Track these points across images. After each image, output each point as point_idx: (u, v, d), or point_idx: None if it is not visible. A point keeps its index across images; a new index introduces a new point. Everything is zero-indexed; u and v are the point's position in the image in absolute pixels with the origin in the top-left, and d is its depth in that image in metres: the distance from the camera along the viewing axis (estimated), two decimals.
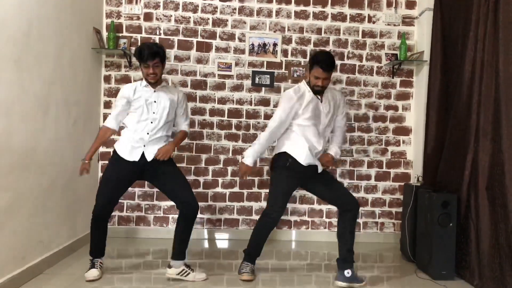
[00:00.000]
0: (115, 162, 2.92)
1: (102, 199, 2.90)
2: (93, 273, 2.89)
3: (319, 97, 2.98)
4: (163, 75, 3.26)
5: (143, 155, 2.89)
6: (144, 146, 2.90)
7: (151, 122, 2.91)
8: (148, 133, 2.90)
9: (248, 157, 3.00)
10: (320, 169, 3.01)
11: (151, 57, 2.81)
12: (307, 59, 4.13)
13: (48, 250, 3.09)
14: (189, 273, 2.94)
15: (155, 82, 2.93)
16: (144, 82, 2.96)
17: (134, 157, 2.88)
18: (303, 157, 2.93)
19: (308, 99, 2.95)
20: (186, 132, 3.18)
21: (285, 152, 2.98)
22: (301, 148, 2.95)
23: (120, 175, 2.90)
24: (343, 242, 2.97)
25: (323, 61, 2.87)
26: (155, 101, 2.93)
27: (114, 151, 2.94)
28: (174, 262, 2.95)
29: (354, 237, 3.00)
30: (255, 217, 4.13)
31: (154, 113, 2.92)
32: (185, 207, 2.92)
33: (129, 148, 2.89)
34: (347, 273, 2.90)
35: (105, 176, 2.96)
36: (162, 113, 2.93)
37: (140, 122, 2.91)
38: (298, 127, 2.97)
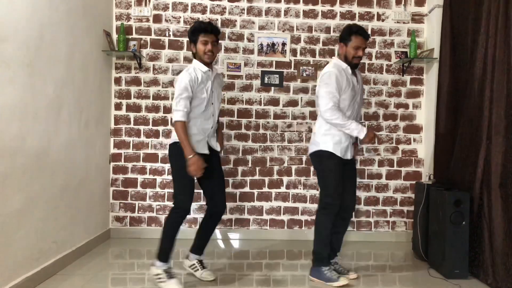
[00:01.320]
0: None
1: (189, 194, 2.78)
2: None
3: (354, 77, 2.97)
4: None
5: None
6: (208, 137, 2.84)
7: (213, 115, 2.85)
8: (212, 127, 2.85)
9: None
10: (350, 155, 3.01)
11: (213, 30, 2.70)
12: (316, 58, 4.12)
13: (62, 251, 3.13)
14: (198, 269, 2.96)
15: (211, 62, 2.78)
16: (202, 66, 2.75)
17: (205, 150, 2.79)
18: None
19: (347, 78, 2.90)
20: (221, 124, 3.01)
21: None
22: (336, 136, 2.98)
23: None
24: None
25: (361, 29, 2.86)
26: (213, 91, 2.81)
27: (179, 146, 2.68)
28: (190, 255, 3.02)
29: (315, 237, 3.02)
30: (266, 216, 4.13)
31: (212, 104, 2.82)
32: (216, 208, 2.95)
33: (196, 141, 2.74)
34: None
35: (182, 170, 2.68)
36: (218, 103, 2.92)
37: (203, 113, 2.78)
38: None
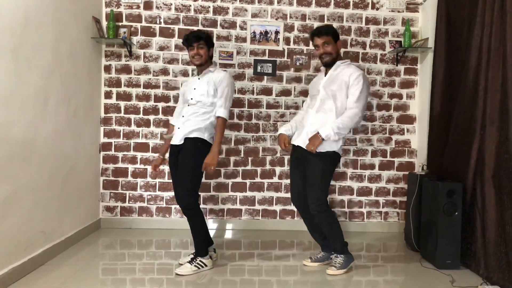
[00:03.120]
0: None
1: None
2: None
3: (322, 75, 3.01)
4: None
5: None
6: (179, 128, 2.99)
7: (188, 105, 3.00)
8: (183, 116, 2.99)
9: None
10: (303, 139, 2.93)
11: (195, 39, 2.94)
12: (310, 47, 4.07)
13: (50, 241, 3.08)
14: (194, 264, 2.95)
15: (201, 63, 2.99)
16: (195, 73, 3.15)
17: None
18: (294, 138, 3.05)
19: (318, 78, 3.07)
20: (221, 119, 2.94)
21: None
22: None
23: None
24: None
25: (315, 29, 2.97)
26: (195, 88, 3.00)
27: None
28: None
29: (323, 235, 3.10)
30: (258, 207, 4.11)
31: (192, 99, 2.99)
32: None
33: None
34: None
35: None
36: (197, 99, 2.97)
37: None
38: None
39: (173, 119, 3.18)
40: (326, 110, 2.89)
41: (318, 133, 2.80)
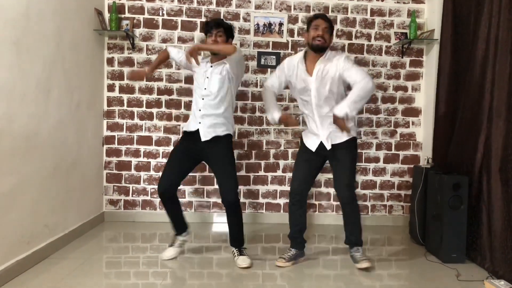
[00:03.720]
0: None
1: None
2: (167, 253, 3.01)
3: (308, 74, 2.83)
4: None
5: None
6: (200, 123, 2.94)
7: (202, 99, 2.93)
8: (199, 109, 2.95)
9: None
10: (327, 145, 2.87)
11: (215, 26, 2.92)
12: None
13: (54, 235, 3.08)
14: (235, 256, 3.00)
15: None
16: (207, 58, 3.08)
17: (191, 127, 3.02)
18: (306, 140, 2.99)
19: (299, 70, 2.88)
20: (233, 46, 2.89)
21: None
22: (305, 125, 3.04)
23: None
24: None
25: (320, 14, 2.91)
26: (207, 77, 2.94)
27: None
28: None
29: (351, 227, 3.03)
30: (262, 200, 4.09)
31: (205, 89, 2.93)
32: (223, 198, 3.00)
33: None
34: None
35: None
36: (211, 89, 2.92)
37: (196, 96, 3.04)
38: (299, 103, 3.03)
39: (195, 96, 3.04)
40: (328, 107, 2.84)
41: (335, 115, 2.68)
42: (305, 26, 4.00)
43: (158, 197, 3.99)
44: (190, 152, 2.96)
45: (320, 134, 2.89)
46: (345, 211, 3.00)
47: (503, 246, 2.75)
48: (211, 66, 2.96)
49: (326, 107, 2.84)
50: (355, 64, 2.84)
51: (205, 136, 2.89)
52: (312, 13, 4.02)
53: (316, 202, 4.12)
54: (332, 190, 4.08)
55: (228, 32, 2.98)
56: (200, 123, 2.91)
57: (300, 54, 2.94)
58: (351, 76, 2.74)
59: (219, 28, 2.92)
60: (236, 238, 3.02)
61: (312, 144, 2.93)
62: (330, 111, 2.80)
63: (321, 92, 2.82)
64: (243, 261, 2.90)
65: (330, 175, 4.02)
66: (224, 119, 2.94)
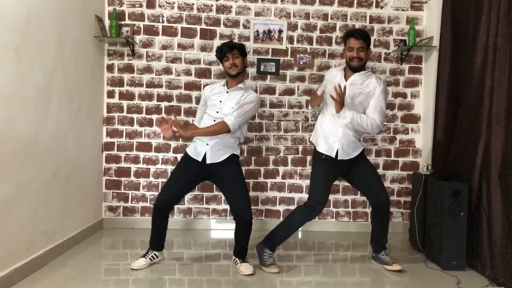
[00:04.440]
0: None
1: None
2: (139, 262, 2.93)
3: (343, 80, 2.92)
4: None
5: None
6: (208, 144, 2.93)
7: (214, 121, 2.92)
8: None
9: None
10: (340, 155, 2.91)
11: (229, 49, 2.90)
12: (313, 46, 4.04)
13: (53, 241, 3.07)
14: (237, 263, 2.99)
15: (237, 73, 2.94)
16: (223, 81, 3.08)
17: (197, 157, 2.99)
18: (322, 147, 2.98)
19: (338, 76, 2.97)
20: (222, 122, 2.84)
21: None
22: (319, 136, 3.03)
23: None
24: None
25: (353, 31, 2.93)
26: (220, 101, 2.95)
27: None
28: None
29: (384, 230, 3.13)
30: (261, 207, 4.09)
31: (217, 112, 2.94)
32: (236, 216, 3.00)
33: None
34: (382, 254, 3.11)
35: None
36: (224, 113, 2.91)
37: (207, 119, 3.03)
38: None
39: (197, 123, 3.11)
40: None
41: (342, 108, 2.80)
42: (304, 33, 4.06)
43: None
44: (195, 172, 2.95)
45: (336, 137, 2.92)
46: (383, 215, 3.08)
47: (503, 253, 2.74)
48: (227, 92, 2.97)
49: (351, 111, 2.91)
50: (384, 100, 2.92)
51: (212, 159, 2.90)
52: (311, 20, 4.05)
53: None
54: (331, 197, 4.07)
55: (242, 52, 2.98)
56: (207, 144, 2.90)
57: (341, 66, 3.06)
58: (371, 105, 2.89)
59: (233, 50, 2.91)
60: (242, 250, 3.03)
61: (329, 149, 2.93)
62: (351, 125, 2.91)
63: (352, 99, 2.90)
64: (246, 268, 2.89)
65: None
66: (233, 143, 2.99)
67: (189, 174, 2.95)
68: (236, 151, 3.01)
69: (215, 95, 2.99)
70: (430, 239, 3.27)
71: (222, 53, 2.93)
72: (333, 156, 2.91)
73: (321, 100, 2.92)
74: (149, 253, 3.01)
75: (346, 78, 2.95)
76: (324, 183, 2.97)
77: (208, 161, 2.89)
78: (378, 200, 3.03)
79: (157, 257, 3.03)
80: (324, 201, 2.98)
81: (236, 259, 3.01)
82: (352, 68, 2.90)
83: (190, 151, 2.98)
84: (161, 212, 2.98)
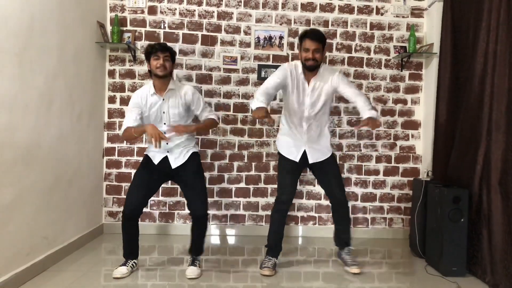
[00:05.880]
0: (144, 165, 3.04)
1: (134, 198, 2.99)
2: (121, 270, 2.89)
3: (306, 83, 2.97)
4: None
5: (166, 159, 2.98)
6: (168, 152, 2.97)
7: (165, 132, 2.88)
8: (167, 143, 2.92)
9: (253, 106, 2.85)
10: (312, 159, 3.04)
11: (162, 49, 2.86)
12: None
13: (53, 247, 3.07)
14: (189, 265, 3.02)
15: (164, 76, 2.88)
16: (151, 90, 2.93)
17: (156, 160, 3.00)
18: (286, 151, 3.10)
19: (300, 77, 2.99)
20: (212, 119, 3.04)
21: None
22: (282, 140, 3.15)
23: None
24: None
25: (310, 32, 2.95)
26: (163, 112, 2.94)
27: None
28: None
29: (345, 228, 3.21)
30: (262, 212, 4.08)
31: (165, 124, 2.94)
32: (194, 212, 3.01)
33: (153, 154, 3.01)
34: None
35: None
36: (172, 123, 2.94)
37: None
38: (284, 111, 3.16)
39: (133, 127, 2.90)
40: (318, 119, 3.05)
41: (371, 118, 2.77)
42: None
43: (157, 209, 4.01)
44: (158, 174, 2.98)
45: (303, 145, 3.04)
46: (340, 213, 3.17)
47: (503, 260, 2.74)
48: (163, 100, 2.94)
49: (316, 122, 3.04)
50: (348, 80, 3.06)
51: (176, 164, 2.97)
52: (312, 27, 4.06)
53: (316, 215, 4.11)
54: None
55: (173, 58, 2.95)
56: (168, 152, 2.97)
57: (299, 63, 3.01)
58: (346, 91, 2.95)
59: (165, 52, 2.87)
60: (197, 247, 3.06)
61: (295, 154, 3.05)
62: (317, 126, 3.04)
63: (315, 106, 3.00)
64: (192, 272, 2.92)
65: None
66: (190, 144, 3.06)
67: (153, 176, 2.96)
68: (195, 149, 3.09)
69: (152, 108, 2.93)
70: (431, 245, 3.26)
71: (153, 49, 2.85)
72: (297, 161, 3.04)
73: (268, 116, 2.72)
74: (128, 261, 2.98)
75: (306, 80, 2.98)
76: (289, 176, 3.10)
77: (173, 166, 2.95)
78: (333, 197, 3.12)
79: (136, 264, 3.03)
80: (288, 201, 3.11)
81: (189, 259, 3.05)
82: (307, 67, 2.93)
83: (151, 154, 3.00)
84: (131, 219, 2.92)
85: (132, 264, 2.98)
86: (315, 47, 2.87)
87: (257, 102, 2.76)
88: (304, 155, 3.05)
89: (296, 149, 3.06)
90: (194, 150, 3.06)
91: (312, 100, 2.98)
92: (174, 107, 2.94)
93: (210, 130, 3.98)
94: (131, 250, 3.00)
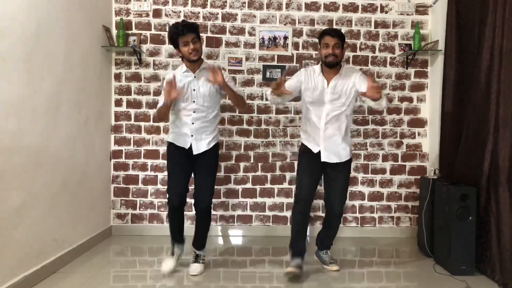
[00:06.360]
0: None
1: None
2: (168, 264, 2.99)
3: (325, 82, 2.91)
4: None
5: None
6: (192, 135, 2.95)
7: (194, 112, 2.91)
8: (192, 122, 2.93)
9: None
10: (324, 158, 2.93)
11: (188, 30, 2.79)
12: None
13: (62, 249, 3.10)
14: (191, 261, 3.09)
15: (198, 59, 2.87)
16: (184, 68, 2.94)
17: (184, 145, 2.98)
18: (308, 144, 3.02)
19: (318, 79, 2.95)
20: (243, 98, 3.10)
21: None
22: (305, 133, 3.07)
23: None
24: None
25: (328, 29, 3.00)
26: (194, 89, 2.91)
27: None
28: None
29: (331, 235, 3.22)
30: (269, 213, 4.09)
31: (194, 102, 2.92)
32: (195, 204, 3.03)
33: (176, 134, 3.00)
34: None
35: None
36: (202, 101, 2.93)
37: (183, 110, 2.95)
38: (306, 110, 3.06)
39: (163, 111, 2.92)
40: (337, 120, 2.94)
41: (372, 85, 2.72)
42: (309, 39, 4.07)
43: (166, 211, 4.03)
44: (185, 159, 2.98)
45: (320, 145, 2.95)
46: (332, 223, 3.13)
47: None
48: (194, 77, 2.92)
49: (335, 122, 2.93)
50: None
51: (198, 150, 2.96)
52: (316, 26, 4.06)
53: (323, 215, 4.08)
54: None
55: (199, 35, 2.91)
56: (192, 136, 2.95)
57: (318, 66, 3.02)
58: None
59: (193, 34, 2.81)
60: (199, 240, 3.12)
61: (313, 147, 2.98)
62: (336, 128, 2.93)
63: (335, 105, 2.91)
64: (194, 269, 2.98)
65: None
66: (214, 130, 3.05)
67: (183, 161, 2.96)
68: (217, 138, 3.08)
69: (184, 85, 2.89)
70: (439, 243, 3.25)
71: (180, 33, 2.77)
72: (315, 152, 2.96)
73: (287, 93, 2.83)
74: (174, 251, 3.07)
75: (326, 81, 2.93)
76: (307, 173, 3.02)
77: (195, 152, 2.94)
78: (330, 208, 3.05)
79: (181, 251, 3.12)
80: (308, 198, 3.01)
81: (194, 252, 3.10)
82: (328, 64, 2.89)
83: (176, 140, 2.98)
84: (175, 208, 2.98)
85: (179, 254, 3.09)
86: (334, 42, 2.86)
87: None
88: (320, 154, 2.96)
89: (314, 144, 2.97)
90: (216, 142, 3.04)
91: (331, 99, 2.91)
92: (205, 86, 2.91)
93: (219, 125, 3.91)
94: (176, 234, 3.08)
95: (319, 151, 2.94)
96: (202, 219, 3.06)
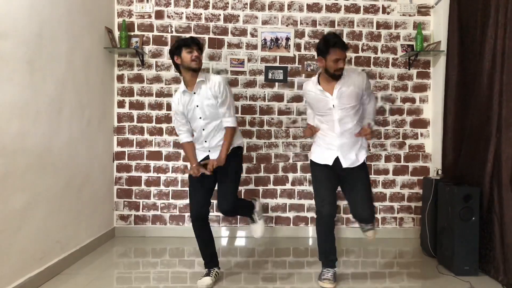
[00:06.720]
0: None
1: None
2: (205, 281, 2.80)
3: (326, 93, 2.81)
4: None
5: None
6: (209, 151, 2.91)
7: (203, 129, 2.87)
8: (204, 140, 2.90)
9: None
10: (345, 163, 2.82)
11: (195, 43, 2.79)
12: None
13: (66, 250, 3.11)
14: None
15: (199, 68, 2.79)
16: (182, 87, 2.86)
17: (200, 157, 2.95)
18: (318, 157, 2.92)
19: (316, 92, 2.86)
20: (227, 129, 2.85)
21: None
22: (315, 149, 2.98)
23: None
24: None
25: (338, 42, 2.73)
26: (197, 106, 2.83)
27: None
28: None
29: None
30: (271, 214, 4.09)
31: (200, 118, 2.85)
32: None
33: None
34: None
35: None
36: (209, 113, 2.84)
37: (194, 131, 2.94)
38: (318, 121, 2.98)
39: (187, 139, 2.95)
40: (349, 124, 2.84)
41: (365, 127, 2.83)
42: (311, 40, 4.07)
43: (168, 212, 4.04)
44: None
45: (337, 149, 2.84)
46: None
47: None
48: (194, 93, 2.83)
49: (350, 122, 2.83)
50: (370, 84, 2.97)
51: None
52: (318, 27, 4.07)
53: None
54: (341, 203, 4.07)
55: (202, 50, 2.90)
56: (209, 151, 2.89)
57: (314, 78, 2.92)
58: (365, 93, 2.87)
59: (197, 45, 2.80)
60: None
61: (328, 157, 2.86)
62: (353, 126, 2.83)
63: (345, 107, 2.80)
64: (202, 282, 2.81)
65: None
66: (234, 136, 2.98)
67: (203, 175, 2.85)
68: (239, 140, 2.99)
69: (189, 105, 2.85)
70: (442, 244, 3.24)
71: (186, 43, 2.76)
72: (330, 164, 2.85)
73: (316, 130, 2.94)
74: (211, 271, 2.90)
75: (326, 89, 2.82)
76: (324, 184, 2.90)
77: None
78: (358, 214, 2.91)
79: (218, 273, 2.95)
80: (332, 213, 2.88)
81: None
82: (336, 77, 2.77)
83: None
84: (199, 222, 2.87)
85: (216, 273, 2.90)
86: (344, 56, 2.75)
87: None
88: (337, 161, 2.83)
89: (329, 154, 2.86)
90: (236, 145, 2.94)
91: (339, 103, 2.80)
92: (206, 98, 2.81)
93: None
94: (210, 258, 2.94)
95: (335, 159, 2.83)
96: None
